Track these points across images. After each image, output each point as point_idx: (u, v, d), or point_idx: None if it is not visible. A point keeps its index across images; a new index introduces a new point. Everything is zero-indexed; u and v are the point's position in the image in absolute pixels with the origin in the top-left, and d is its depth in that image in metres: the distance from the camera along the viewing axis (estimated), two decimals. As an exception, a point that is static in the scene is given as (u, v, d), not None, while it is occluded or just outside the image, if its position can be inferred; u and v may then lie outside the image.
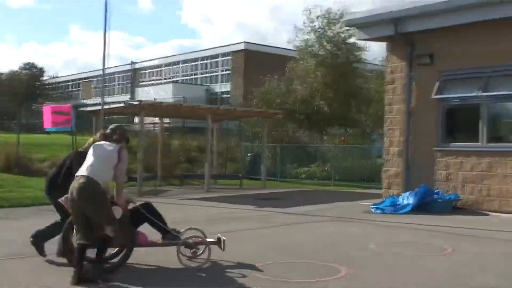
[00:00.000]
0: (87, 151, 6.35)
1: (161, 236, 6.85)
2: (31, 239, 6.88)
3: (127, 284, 5.86)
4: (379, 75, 26.21)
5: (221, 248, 6.76)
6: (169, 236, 6.78)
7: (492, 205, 11.95)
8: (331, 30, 25.28)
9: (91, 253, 6.09)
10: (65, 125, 8.17)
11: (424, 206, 11.96)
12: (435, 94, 12.98)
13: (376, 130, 27.15)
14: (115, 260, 6.45)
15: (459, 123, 13.14)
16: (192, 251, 6.78)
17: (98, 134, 6.69)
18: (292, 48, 28.32)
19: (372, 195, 15.44)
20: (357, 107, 25.83)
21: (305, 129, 26.84)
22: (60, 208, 6.57)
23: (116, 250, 6.59)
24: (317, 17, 25.25)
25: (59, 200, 6.31)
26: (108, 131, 6.57)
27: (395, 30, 13.19)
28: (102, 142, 6.35)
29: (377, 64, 28.25)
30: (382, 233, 9.48)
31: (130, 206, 6.63)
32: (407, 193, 12.47)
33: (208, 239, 6.91)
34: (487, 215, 11.63)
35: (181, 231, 6.98)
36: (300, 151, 24.57)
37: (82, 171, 6.03)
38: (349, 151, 23.71)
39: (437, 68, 13.06)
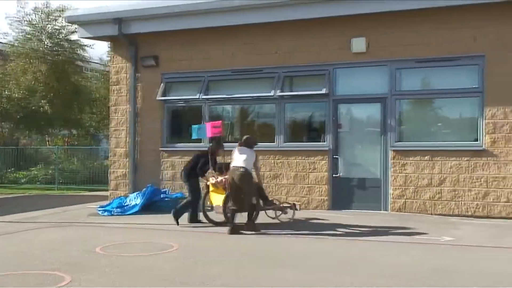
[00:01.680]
0: (209, 152, 10.17)
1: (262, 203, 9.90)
2: (172, 214, 10.16)
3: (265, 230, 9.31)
4: (104, 74, 25.83)
5: (298, 209, 10.36)
6: (268, 202, 10.10)
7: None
8: (51, 25, 23.86)
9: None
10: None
11: (152, 205, 12.16)
12: (160, 96, 13.31)
13: (102, 131, 26.73)
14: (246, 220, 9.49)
15: (184, 124, 13.67)
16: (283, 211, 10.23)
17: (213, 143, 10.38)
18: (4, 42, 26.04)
19: (100, 197, 15.14)
20: (80, 107, 24.92)
21: (23, 130, 24.94)
22: (194, 191, 10.28)
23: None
24: (35, 10, 23.61)
25: (208, 183, 10.02)
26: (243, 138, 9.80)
27: (119, 30, 13.12)
28: (244, 147, 9.61)
29: (103, 64, 27.79)
30: (110, 235, 9.33)
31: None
32: (135, 193, 12.53)
33: (292, 204, 10.36)
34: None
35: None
36: (18, 154, 22.76)
37: (239, 163, 9.31)
38: (74, 152, 22.83)
39: (161, 70, 13.41)
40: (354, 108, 11.95)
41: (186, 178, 10.43)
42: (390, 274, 6.44)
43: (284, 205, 10.39)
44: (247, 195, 9.25)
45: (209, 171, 10.31)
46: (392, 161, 11.40)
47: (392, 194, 11.36)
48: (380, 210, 11.50)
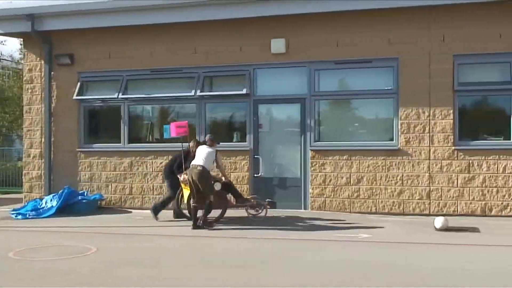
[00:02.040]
0: (190, 151, 10.35)
1: (235, 200, 10.43)
2: (151, 209, 10.74)
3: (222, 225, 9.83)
4: (17, 72, 24.75)
5: (274, 208, 11.10)
6: (241, 200, 10.44)
7: (135, 202, 12.52)
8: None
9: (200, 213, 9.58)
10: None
11: (69, 207, 11.76)
12: (76, 95, 12.88)
13: (16, 131, 25.64)
14: (216, 215, 10.15)
15: (102, 124, 13.33)
16: (255, 210, 10.49)
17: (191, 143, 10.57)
18: None
19: (14, 200, 14.45)
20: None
21: None
22: (172, 188, 10.59)
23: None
24: None
25: (181, 180, 10.14)
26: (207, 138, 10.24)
27: (32, 27, 12.55)
28: (205, 146, 9.97)
29: (14, 61, 26.58)
30: (24, 239, 8.91)
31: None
32: (51, 195, 12.06)
33: (264, 202, 10.57)
34: (130, 212, 12.12)
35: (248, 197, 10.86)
36: None
37: (197, 162, 9.68)
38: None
39: (77, 69, 12.97)
40: (274, 108, 12.06)
41: (166, 175, 10.87)
42: (309, 272, 6.52)
43: (256, 203, 10.56)
44: (204, 193, 9.61)
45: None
46: (311, 160, 11.59)
47: (312, 193, 11.55)
48: (301, 208, 11.67)
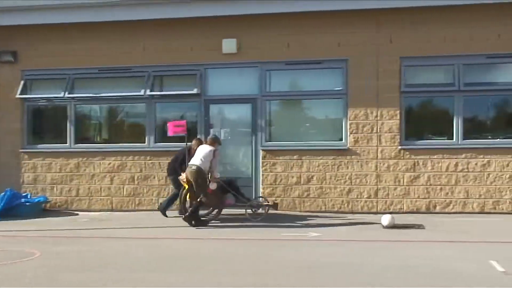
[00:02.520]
0: (193, 149, 10.41)
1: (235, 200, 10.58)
2: (160, 210, 11.06)
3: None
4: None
5: (276, 209, 10.67)
6: (240, 201, 10.50)
7: (82, 204, 12.24)
8: None
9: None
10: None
11: (12, 211, 11.34)
12: (19, 94, 12.47)
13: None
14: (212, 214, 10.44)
15: (47, 124, 12.94)
16: (254, 210, 10.49)
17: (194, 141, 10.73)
18: None
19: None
20: None
21: None
22: (176, 185, 10.77)
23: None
24: None
25: (179, 178, 10.46)
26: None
27: (-27, 23, 12.11)
28: (205, 145, 10.07)
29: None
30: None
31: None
32: (-8, 198, 11.62)
33: (266, 203, 10.67)
34: (77, 214, 11.83)
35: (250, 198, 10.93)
36: None
37: (194, 161, 9.84)
38: None
39: (21, 67, 12.56)
40: (226, 108, 12.04)
41: (169, 172, 11.05)
42: (261, 271, 6.52)
43: (264, 203, 10.68)
44: (196, 192, 9.79)
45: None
46: (262, 160, 11.63)
47: (263, 193, 11.58)
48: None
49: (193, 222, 9.89)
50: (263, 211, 10.54)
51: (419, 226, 9.65)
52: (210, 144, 10.10)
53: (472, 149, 11.08)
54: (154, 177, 12.01)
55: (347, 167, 11.34)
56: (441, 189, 11.13)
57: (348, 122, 11.37)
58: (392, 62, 11.21)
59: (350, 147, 11.33)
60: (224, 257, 7.37)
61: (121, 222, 10.68)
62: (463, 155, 11.09)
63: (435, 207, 11.14)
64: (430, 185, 11.16)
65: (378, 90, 11.24)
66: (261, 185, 11.63)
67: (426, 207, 11.15)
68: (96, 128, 12.79)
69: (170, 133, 10.92)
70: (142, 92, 11.98)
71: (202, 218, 10.15)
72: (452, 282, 5.97)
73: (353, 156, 11.32)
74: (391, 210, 11.01)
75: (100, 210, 12.09)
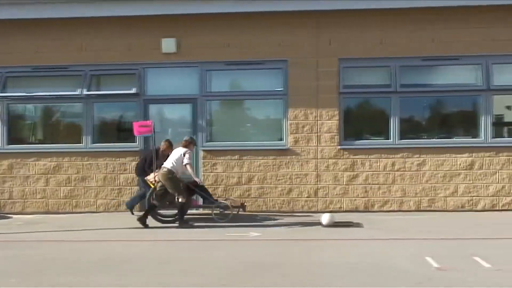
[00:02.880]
0: (161, 150, 10.49)
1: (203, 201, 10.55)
2: (126, 204, 11.04)
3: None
4: None
5: (244, 211, 10.42)
6: (208, 201, 10.34)
7: (16, 207, 11.82)
8: None
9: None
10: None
11: None
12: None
13: None
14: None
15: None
16: (220, 211, 10.25)
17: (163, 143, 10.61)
18: None
19: None
20: None
21: None
22: (145, 186, 10.56)
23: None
24: None
25: (146, 178, 10.34)
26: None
27: None
28: (179, 147, 9.95)
29: None
30: None
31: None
32: None
33: (233, 204, 10.41)
34: (11, 217, 11.40)
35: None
36: None
37: (166, 164, 9.79)
38: None
39: None
40: (166, 108, 11.92)
41: (138, 173, 10.88)
42: (200, 272, 6.47)
43: (223, 205, 10.40)
44: (174, 194, 9.73)
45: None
46: (203, 160, 11.57)
47: (204, 194, 11.51)
48: (193, 209, 11.55)
49: (177, 223, 9.88)
50: (229, 212, 10.27)
51: (358, 225, 9.82)
52: (184, 146, 9.93)
53: (408, 148, 11.39)
54: (92, 179, 11.73)
55: (288, 167, 11.43)
56: (379, 188, 11.39)
57: (288, 122, 11.47)
58: (331, 63, 11.38)
59: (290, 147, 11.42)
60: (156, 259, 7.26)
61: (56, 225, 10.37)
62: (400, 155, 11.39)
63: (373, 205, 11.38)
64: (368, 184, 11.40)
65: (317, 91, 11.39)
66: (202, 186, 11.56)
67: (364, 205, 11.38)
68: (30, 128, 12.37)
69: (135, 133, 10.74)
70: (78, 92, 11.68)
71: (163, 219, 10.21)
72: (389, 278, 6.09)
73: (293, 156, 11.42)
74: (330, 209, 11.16)
75: (35, 213, 11.70)
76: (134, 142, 11.72)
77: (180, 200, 9.73)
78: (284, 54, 11.45)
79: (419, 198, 11.34)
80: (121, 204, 11.63)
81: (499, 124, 11.69)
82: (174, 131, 11.87)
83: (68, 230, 9.74)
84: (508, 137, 11.63)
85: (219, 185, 11.50)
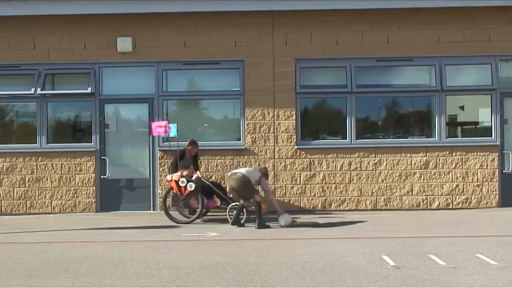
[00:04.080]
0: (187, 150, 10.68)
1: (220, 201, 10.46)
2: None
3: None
4: None
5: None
6: (224, 202, 10.24)
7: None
8: None
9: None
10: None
11: None
12: None
13: None
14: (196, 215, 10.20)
15: None
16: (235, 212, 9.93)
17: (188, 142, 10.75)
18: None
19: None
20: None
21: None
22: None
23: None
24: None
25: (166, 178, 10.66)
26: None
27: None
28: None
29: None
30: None
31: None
32: None
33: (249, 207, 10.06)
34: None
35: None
36: None
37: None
38: None
39: None
40: (122, 108, 11.79)
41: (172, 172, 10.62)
42: (155, 273, 6.42)
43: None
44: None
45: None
46: (160, 161, 11.47)
47: (161, 194, 11.42)
48: (150, 210, 11.53)
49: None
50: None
51: (316, 224, 9.89)
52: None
53: (364, 148, 11.54)
54: (47, 179, 11.50)
55: (245, 167, 11.41)
56: (335, 187, 11.50)
57: (246, 122, 11.48)
58: (287, 63, 11.44)
59: (248, 147, 11.43)
60: (110, 260, 7.16)
61: (10, 226, 10.14)
62: (356, 154, 11.53)
63: (330, 205, 11.49)
64: (326, 183, 11.50)
65: (274, 91, 11.44)
66: (158, 186, 11.47)
67: (322, 205, 11.47)
68: None
69: (153, 134, 10.75)
70: (32, 91, 11.43)
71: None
72: (346, 277, 6.16)
73: (250, 156, 11.43)
74: (289, 209, 11.18)
75: (-13, 215, 11.41)
76: (90, 142, 11.54)
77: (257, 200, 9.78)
78: (241, 54, 11.45)
79: (376, 197, 11.51)
80: (77, 205, 11.45)
81: (452, 124, 11.95)
82: (131, 131, 11.74)
83: (22, 232, 9.52)
84: (462, 137, 11.89)
85: (177, 185, 11.41)
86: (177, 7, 11.08)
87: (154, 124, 10.68)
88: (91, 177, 11.46)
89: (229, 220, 9.93)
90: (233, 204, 10.10)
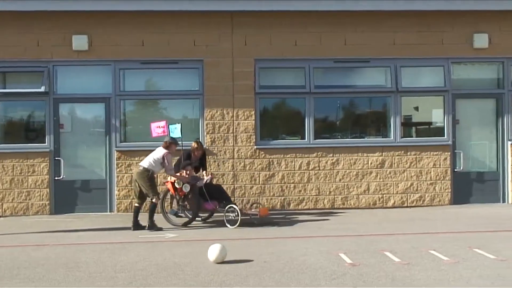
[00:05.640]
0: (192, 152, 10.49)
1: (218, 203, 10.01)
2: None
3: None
4: None
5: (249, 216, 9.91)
6: (222, 205, 9.88)
7: None
8: None
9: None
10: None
11: None
12: None
13: None
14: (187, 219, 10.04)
15: None
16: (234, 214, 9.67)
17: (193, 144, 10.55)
18: None
19: None
20: None
21: None
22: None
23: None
24: None
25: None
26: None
27: None
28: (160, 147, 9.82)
29: None
30: None
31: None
32: None
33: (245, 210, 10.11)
34: None
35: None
36: None
37: (143, 162, 9.76)
38: None
39: None
40: (77, 108, 11.57)
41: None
42: (110, 275, 6.30)
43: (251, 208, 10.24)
44: (146, 193, 9.57)
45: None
46: (117, 161, 11.29)
47: (118, 195, 11.25)
48: (106, 211, 11.34)
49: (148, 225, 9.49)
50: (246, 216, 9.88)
51: (274, 223, 9.91)
52: (165, 147, 9.72)
53: (322, 148, 11.64)
54: (-2, 181, 11.18)
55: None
56: (294, 187, 11.56)
57: (205, 122, 11.42)
58: (247, 63, 11.44)
59: (207, 147, 11.36)
60: (64, 264, 7.00)
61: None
62: (315, 154, 11.61)
63: (289, 204, 11.54)
64: (285, 183, 11.54)
65: (233, 91, 11.42)
66: (116, 187, 11.28)
67: (281, 204, 11.51)
68: None
69: (152, 135, 10.30)
70: (-18, 90, 11.10)
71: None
72: (305, 275, 6.20)
73: (210, 156, 11.35)
74: (247, 208, 11.19)
75: None
76: (43, 143, 11.26)
77: (152, 200, 9.55)
78: (200, 53, 11.38)
79: (333, 196, 11.61)
80: (29, 208, 11.14)
81: (407, 124, 12.18)
82: (87, 131, 11.51)
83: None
84: (416, 137, 12.12)
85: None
86: (134, 6, 10.93)
87: (153, 125, 10.35)
88: (45, 179, 11.18)
89: (225, 222, 9.72)
90: (230, 206, 9.83)
